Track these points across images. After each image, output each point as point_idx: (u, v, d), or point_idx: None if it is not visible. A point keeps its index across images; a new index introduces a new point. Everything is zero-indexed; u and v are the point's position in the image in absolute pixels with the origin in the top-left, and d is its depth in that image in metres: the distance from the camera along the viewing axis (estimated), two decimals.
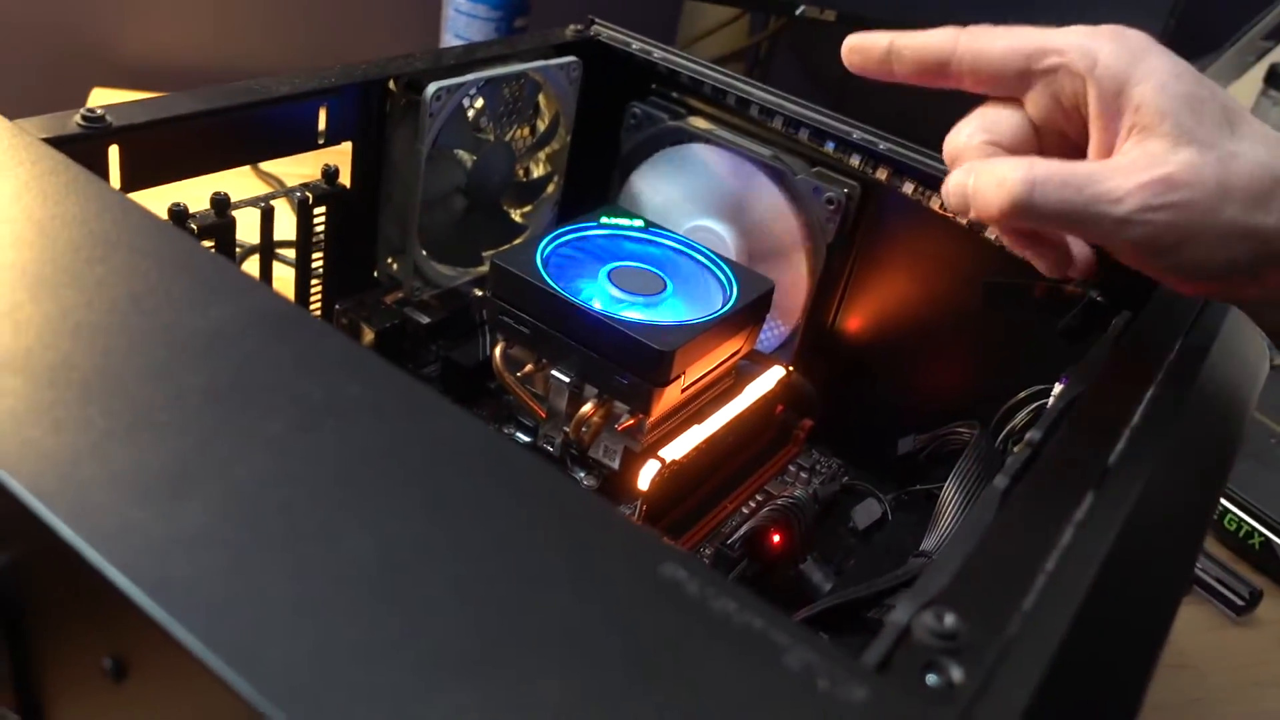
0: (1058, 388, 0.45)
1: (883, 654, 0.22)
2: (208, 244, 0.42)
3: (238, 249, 0.49)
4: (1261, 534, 0.59)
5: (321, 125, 0.44)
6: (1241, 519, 0.60)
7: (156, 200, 0.39)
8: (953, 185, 0.35)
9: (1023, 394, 0.48)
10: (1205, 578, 0.56)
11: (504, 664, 0.19)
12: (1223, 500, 0.60)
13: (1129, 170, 0.32)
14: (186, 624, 0.18)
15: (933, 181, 0.49)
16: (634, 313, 0.46)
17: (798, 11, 0.75)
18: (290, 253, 0.49)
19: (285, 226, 0.48)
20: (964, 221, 0.48)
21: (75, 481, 0.21)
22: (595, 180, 0.58)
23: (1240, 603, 0.55)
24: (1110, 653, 0.25)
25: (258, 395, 0.24)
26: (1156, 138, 0.32)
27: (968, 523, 0.33)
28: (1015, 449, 0.46)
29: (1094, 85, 0.34)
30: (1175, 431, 0.32)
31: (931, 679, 0.21)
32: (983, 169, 0.34)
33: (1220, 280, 0.33)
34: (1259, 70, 0.92)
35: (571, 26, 0.56)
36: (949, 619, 0.22)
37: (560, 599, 0.20)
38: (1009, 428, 0.48)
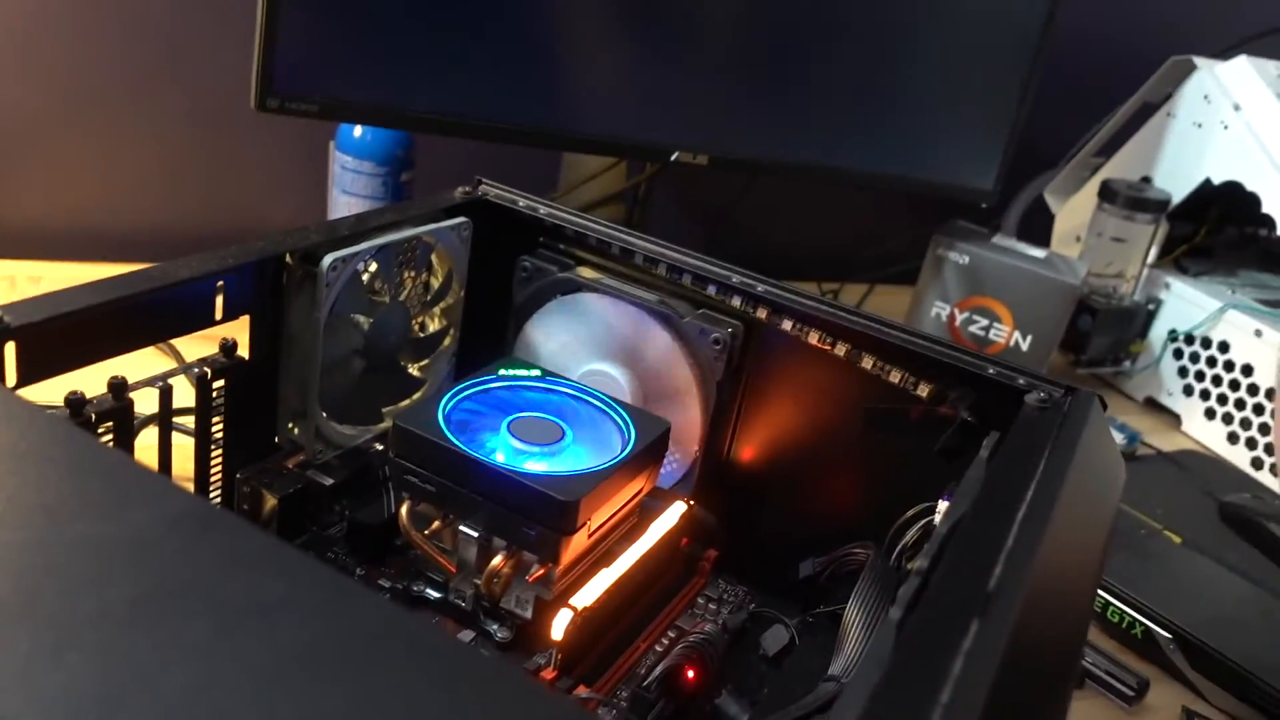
0: (942, 505, 0.48)
1: None
2: (106, 427, 0.42)
3: (135, 419, 0.49)
4: (1142, 623, 0.62)
5: (219, 302, 0.45)
6: (1123, 610, 0.63)
7: (51, 386, 0.39)
8: None
9: (910, 512, 0.51)
10: (1095, 670, 0.59)
11: None
12: (1103, 593, 0.64)
13: None
14: None
15: (809, 319, 0.52)
16: (537, 463, 0.48)
17: (672, 158, 0.79)
18: (189, 419, 0.50)
19: (185, 394, 0.48)
20: (840, 353, 0.52)
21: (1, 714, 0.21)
22: (491, 331, 0.60)
23: (1130, 693, 0.58)
24: None
25: (180, 601, 0.24)
26: None
27: (869, 657, 0.35)
28: (909, 566, 0.49)
29: None
30: (1048, 546, 0.35)
31: None
32: None
33: None
34: (1094, 185, 1.01)
35: (460, 189, 0.58)
36: None
37: None
38: (901, 544, 0.51)
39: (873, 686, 0.27)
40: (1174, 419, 0.98)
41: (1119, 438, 0.88)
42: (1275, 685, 0.58)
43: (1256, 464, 0.90)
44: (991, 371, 0.49)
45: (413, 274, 0.55)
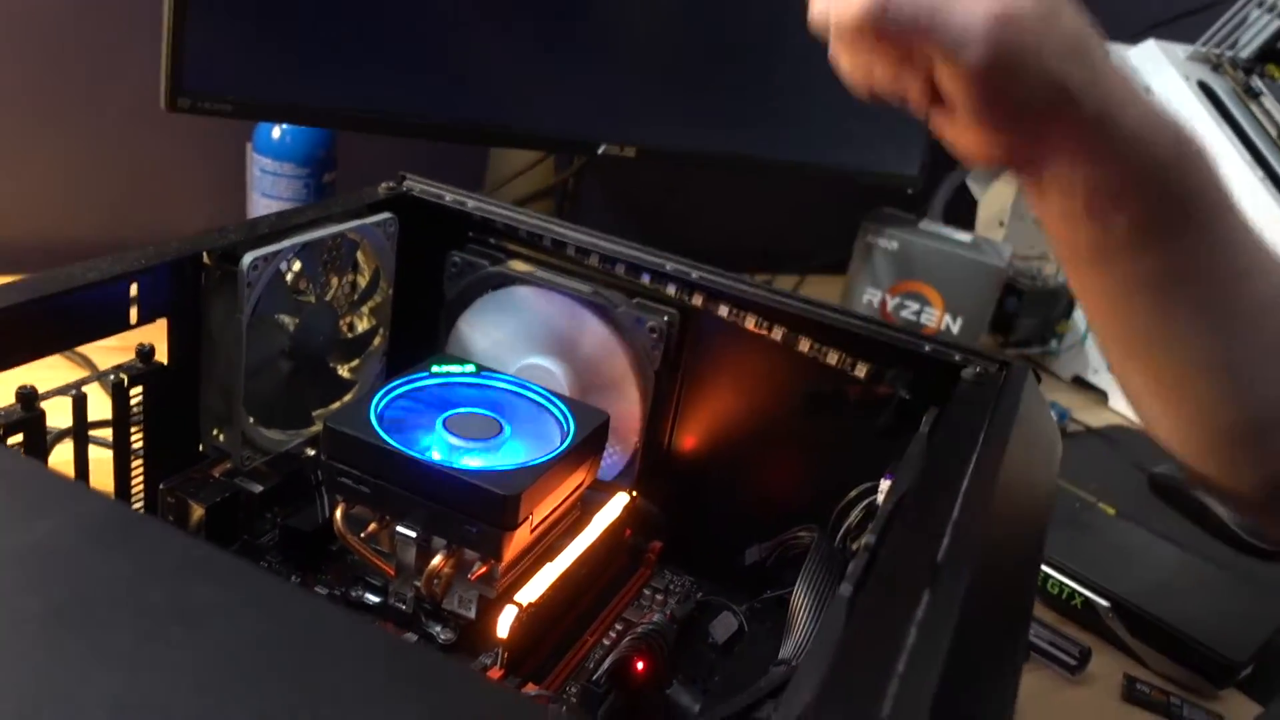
0: (884, 484, 0.48)
1: None
2: (15, 440, 0.40)
3: (48, 434, 0.47)
4: (1081, 594, 0.63)
5: (134, 305, 0.43)
6: (1063, 583, 0.64)
7: None
8: (816, 9, 0.40)
9: (853, 493, 0.51)
10: (1039, 642, 0.60)
11: None
12: (1044, 567, 0.65)
13: None
14: None
15: (745, 303, 0.52)
16: (474, 459, 0.46)
17: (599, 150, 0.79)
18: (107, 433, 0.47)
19: (100, 406, 0.46)
20: (777, 337, 0.52)
21: None
22: (422, 329, 0.59)
23: (1073, 662, 0.59)
24: None
25: (100, 610, 0.23)
26: None
27: (822, 634, 0.34)
28: (855, 546, 0.49)
29: None
30: (992, 517, 0.35)
31: None
32: None
33: (1023, 122, 0.39)
34: None
35: (384, 184, 0.57)
36: None
37: None
38: (845, 526, 0.51)
39: (829, 660, 0.27)
40: (1101, 396, 1.00)
41: None
42: (1211, 645, 0.59)
43: None
44: (927, 348, 0.49)
45: (338, 273, 0.53)
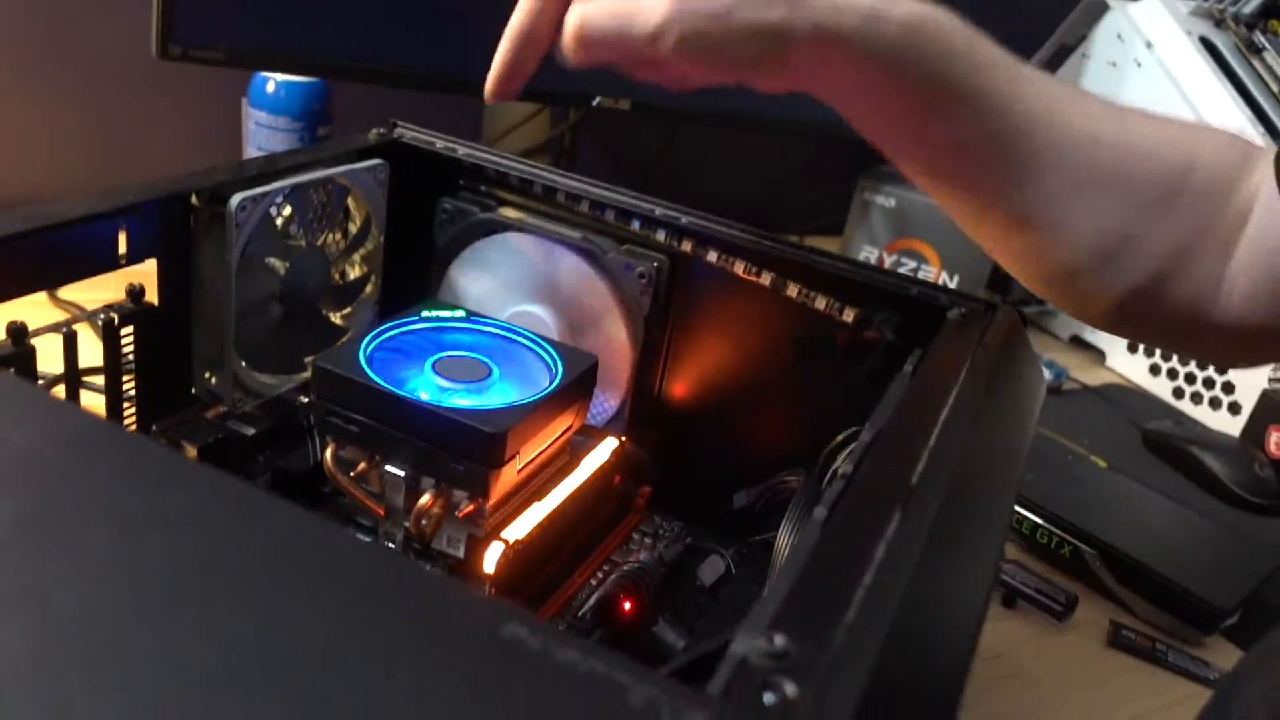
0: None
1: (724, 683, 0.24)
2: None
3: (40, 381, 0.47)
4: (1070, 542, 0.64)
5: (122, 245, 0.44)
6: (1051, 531, 0.65)
7: None
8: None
9: (840, 437, 0.51)
10: (1026, 590, 0.61)
11: None
12: (1031, 515, 0.65)
13: None
14: None
15: (734, 249, 0.52)
16: (462, 400, 0.47)
17: (594, 103, 0.78)
18: (98, 379, 0.48)
19: (91, 354, 0.46)
20: (766, 282, 0.52)
21: None
22: (414, 277, 0.59)
23: (1059, 608, 0.60)
24: (928, 650, 0.27)
25: (74, 515, 0.23)
26: None
27: (795, 550, 0.35)
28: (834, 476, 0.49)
29: None
30: (969, 445, 0.35)
31: (768, 697, 0.23)
32: None
33: (751, 69, 0.43)
34: None
35: (375, 130, 0.57)
36: (779, 640, 0.24)
37: (409, 675, 0.21)
38: (831, 469, 0.51)
39: (797, 571, 0.27)
40: (1099, 355, 1.00)
41: (1046, 374, 0.89)
42: (1198, 593, 0.59)
43: (1178, 394, 0.92)
44: (914, 291, 0.49)
45: (329, 219, 0.54)
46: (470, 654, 0.22)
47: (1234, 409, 0.87)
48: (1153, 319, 0.48)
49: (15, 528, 0.23)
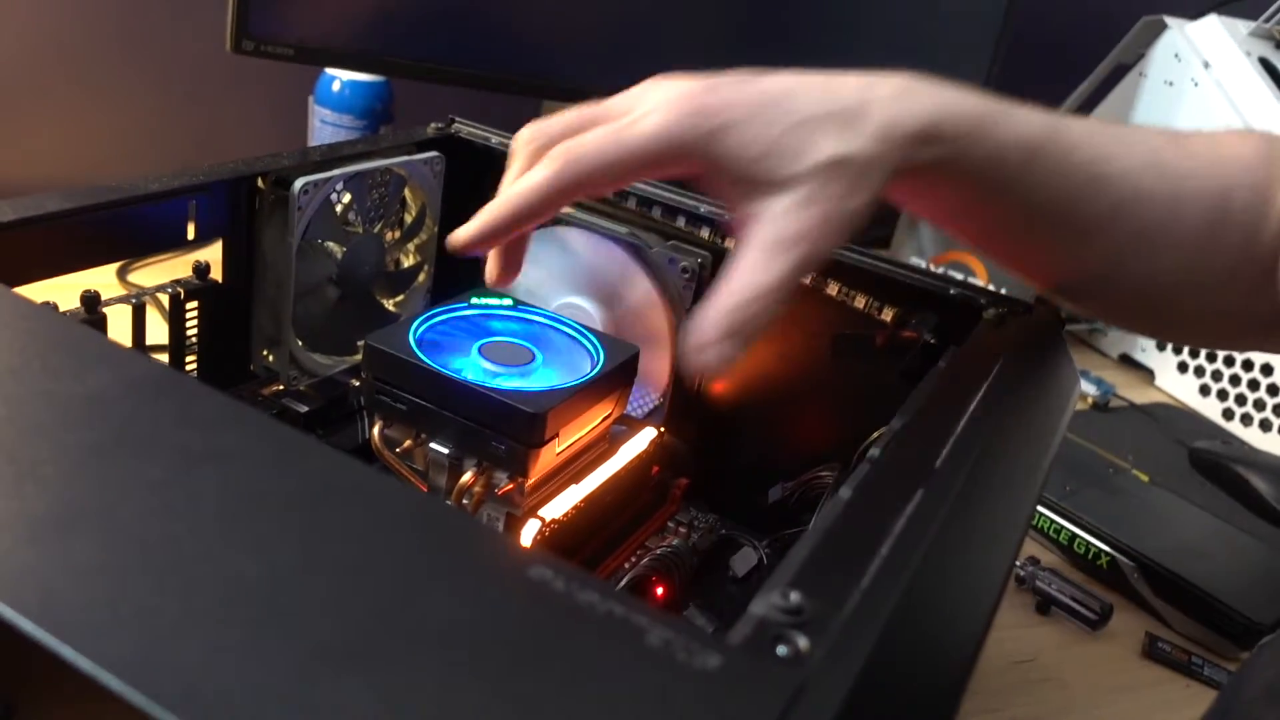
0: None
1: (743, 636, 0.25)
2: None
3: None
4: (1107, 553, 0.64)
5: (191, 223, 0.46)
6: (1089, 542, 0.64)
7: None
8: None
9: (875, 434, 0.52)
10: (1061, 598, 0.60)
11: (386, 656, 0.20)
12: (1070, 525, 0.65)
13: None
14: (76, 645, 0.19)
15: None
16: (506, 382, 0.48)
17: None
18: (162, 357, 0.50)
19: (157, 332, 0.49)
20: (806, 279, 0.53)
21: None
22: (466, 267, 0.61)
23: (1094, 617, 0.59)
24: (941, 621, 0.28)
25: (138, 448, 0.25)
26: None
27: (817, 525, 0.36)
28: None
29: None
30: (993, 434, 0.36)
31: (781, 649, 0.24)
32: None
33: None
34: None
35: (433, 124, 0.59)
36: (794, 596, 0.25)
37: (437, 600, 0.22)
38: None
39: (818, 538, 0.28)
40: (1148, 374, 0.99)
41: (1093, 390, 0.89)
42: (1236, 607, 0.59)
43: (1228, 415, 0.91)
44: (953, 292, 0.50)
45: (386, 207, 0.56)
46: (498, 587, 0.23)
47: None
48: (1223, 331, 0.50)
49: (90, 452, 0.25)
